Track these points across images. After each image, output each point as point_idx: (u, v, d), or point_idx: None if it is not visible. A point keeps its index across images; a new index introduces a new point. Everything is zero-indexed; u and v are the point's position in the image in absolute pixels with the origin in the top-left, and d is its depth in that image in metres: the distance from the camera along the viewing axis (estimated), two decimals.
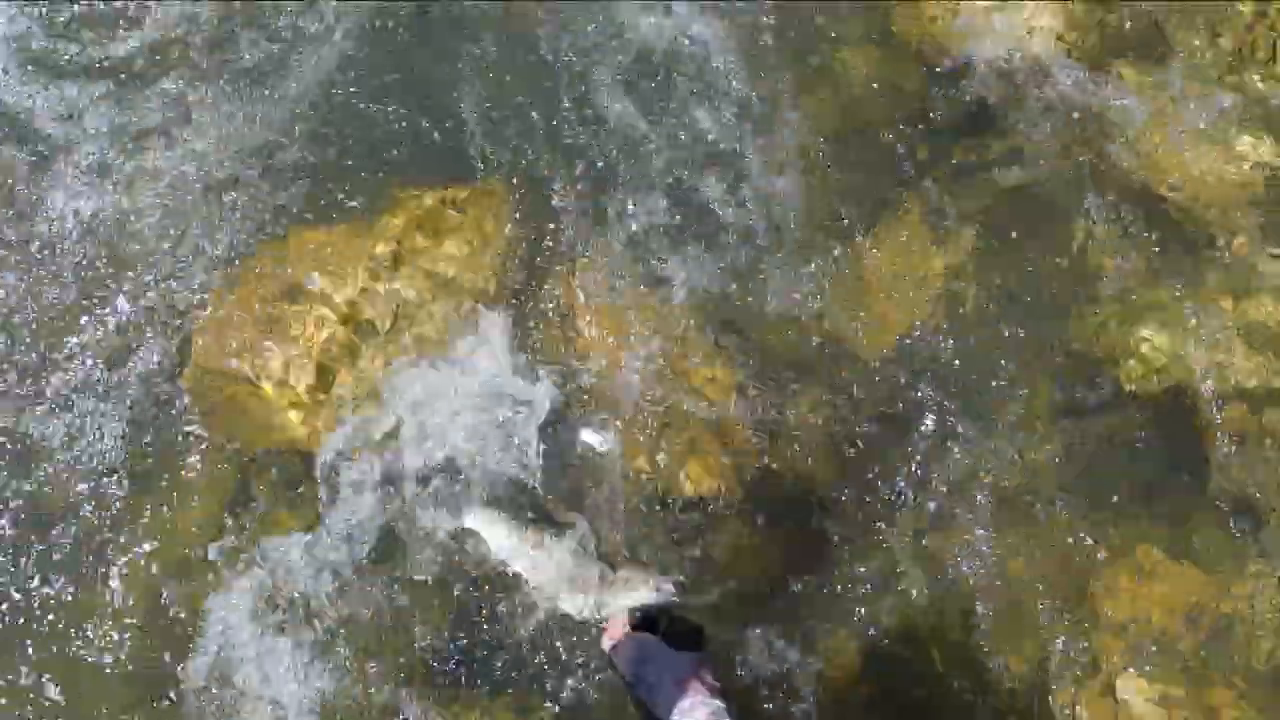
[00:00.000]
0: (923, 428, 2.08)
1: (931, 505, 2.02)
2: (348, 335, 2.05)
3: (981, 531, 2.00)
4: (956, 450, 2.07)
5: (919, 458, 2.05)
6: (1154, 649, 1.92)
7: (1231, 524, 2.02)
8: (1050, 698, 1.89)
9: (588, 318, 2.11)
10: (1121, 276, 2.24)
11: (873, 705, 1.86)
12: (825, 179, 2.33)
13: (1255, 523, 2.02)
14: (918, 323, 2.19)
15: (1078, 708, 1.88)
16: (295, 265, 2.09)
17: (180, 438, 1.94)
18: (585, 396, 2.04)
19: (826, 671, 1.86)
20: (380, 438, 1.95)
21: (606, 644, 1.52)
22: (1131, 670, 1.90)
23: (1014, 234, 2.30)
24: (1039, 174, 2.37)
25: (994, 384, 2.14)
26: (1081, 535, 2.01)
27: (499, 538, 1.85)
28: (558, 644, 1.82)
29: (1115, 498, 2.04)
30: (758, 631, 1.87)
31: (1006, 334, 2.19)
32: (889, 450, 2.06)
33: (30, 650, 1.77)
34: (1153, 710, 1.87)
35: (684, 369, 2.09)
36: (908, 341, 2.16)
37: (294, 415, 1.99)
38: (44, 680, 1.75)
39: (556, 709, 1.80)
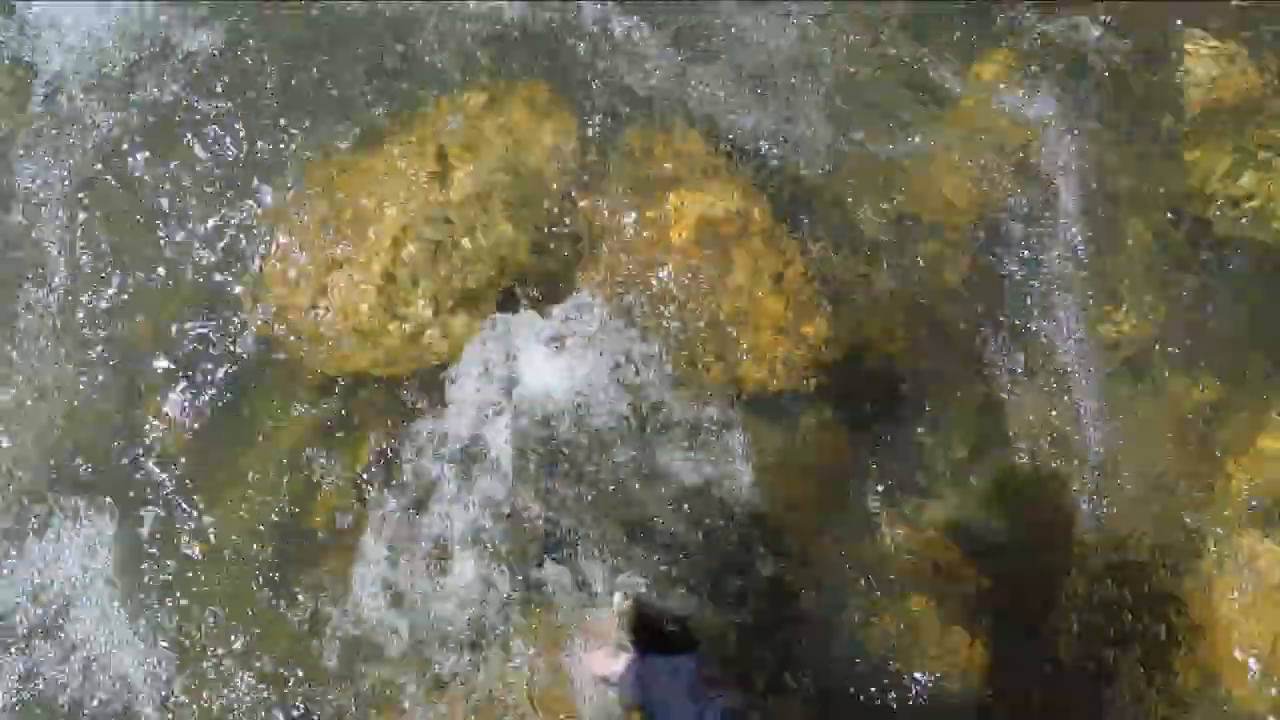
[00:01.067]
0: (1016, 295, 1.94)
1: (1040, 370, 1.89)
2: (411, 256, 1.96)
3: (1094, 402, 1.87)
4: (1060, 313, 1.92)
5: (1012, 323, 1.92)
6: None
7: None
8: (1183, 567, 1.78)
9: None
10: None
11: (984, 561, 1.79)
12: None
13: None
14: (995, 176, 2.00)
15: (1213, 576, 1.77)
16: (348, 191, 1.99)
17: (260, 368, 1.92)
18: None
19: (925, 534, 1.81)
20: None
21: (597, 672, 1.54)
22: (1266, 537, 1.77)
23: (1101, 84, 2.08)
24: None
25: (1092, 240, 1.96)
26: (1205, 397, 1.87)
27: None
28: None
29: (1233, 354, 1.89)
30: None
31: (1096, 186, 2.00)
32: (983, 312, 1.94)
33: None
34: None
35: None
36: (987, 200, 1.98)
37: (360, 342, 1.94)
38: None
39: None
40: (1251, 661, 1.72)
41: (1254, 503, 1.80)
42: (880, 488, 1.85)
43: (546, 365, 1.90)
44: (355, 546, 1.83)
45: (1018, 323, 1.93)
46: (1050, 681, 1.74)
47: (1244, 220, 1.96)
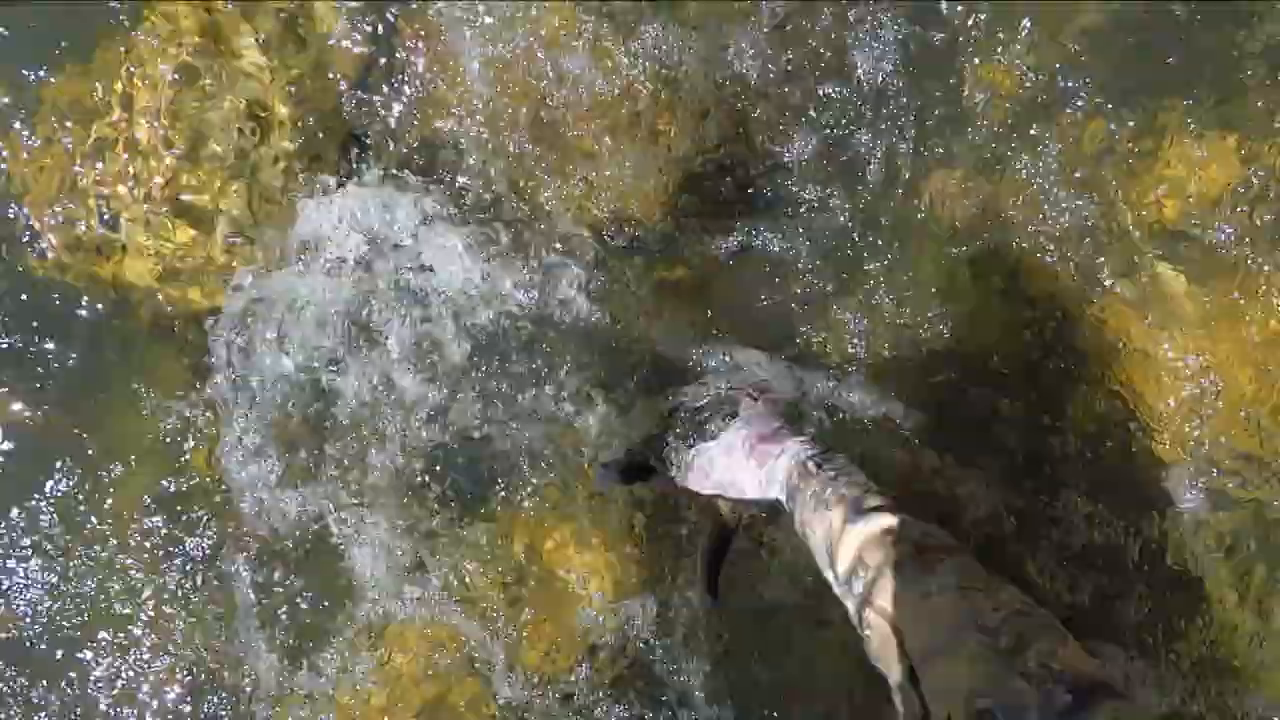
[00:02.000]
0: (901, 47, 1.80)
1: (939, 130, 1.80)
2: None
3: (996, 143, 1.78)
4: (946, 68, 1.79)
5: (900, 78, 1.80)
6: (1190, 238, 1.73)
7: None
8: (1093, 296, 1.75)
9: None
10: None
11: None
12: None
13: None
14: None
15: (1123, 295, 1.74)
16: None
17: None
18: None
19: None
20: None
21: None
22: (1168, 263, 1.73)
23: None
24: None
25: None
26: (1111, 125, 1.74)
27: None
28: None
29: (1129, 84, 1.74)
30: None
31: None
32: (855, 72, 1.81)
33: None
34: (1193, 299, 1.71)
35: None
36: None
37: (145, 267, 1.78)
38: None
39: None
40: (1163, 376, 1.72)
41: (1159, 230, 1.75)
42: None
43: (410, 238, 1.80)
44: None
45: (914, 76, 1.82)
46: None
47: None
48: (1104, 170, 1.75)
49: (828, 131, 1.84)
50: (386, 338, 1.77)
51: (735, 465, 1.28)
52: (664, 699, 1.77)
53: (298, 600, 1.80)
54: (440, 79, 1.84)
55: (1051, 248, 1.78)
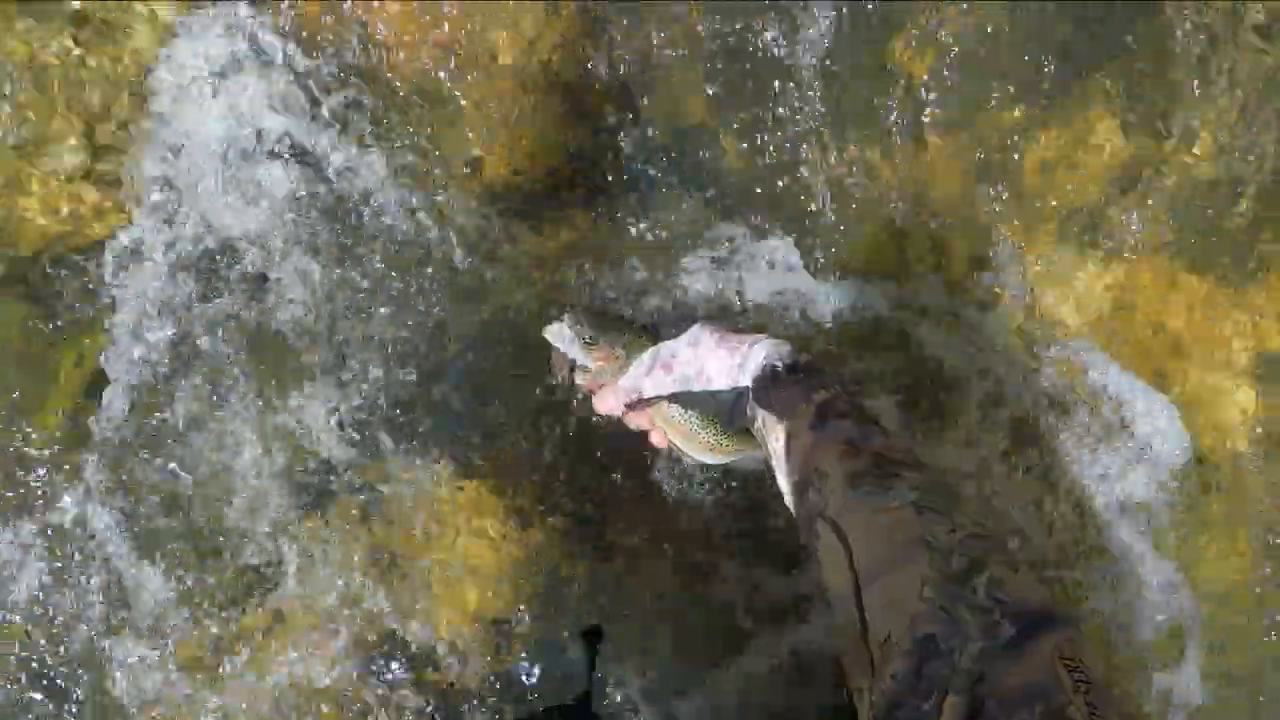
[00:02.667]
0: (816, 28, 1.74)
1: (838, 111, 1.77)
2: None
3: (904, 141, 1.78)
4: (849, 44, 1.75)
5: (808, 61, 1.75)
6: (1088, 224, 1.81)
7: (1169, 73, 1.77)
8: (998, 286, 1.82)
9: None
10: None
11: None
12: None
13: (1198, 67, 1.77)
14: None
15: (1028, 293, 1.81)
16: None
17: None
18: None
19: None
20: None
21: (617, 412, 1.30)
22: (1067, 250, 1.81)
23: None
24: None
25: None
26: (1012, 117, 1.77)
27: None
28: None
29: (1049, 65, 1.76)
30: None
31: None
32: (773, 63, 1.75)
33: None
34: (1098, 285, 1.81)
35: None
36: None
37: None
38: None
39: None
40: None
41: (1065, 216, 1.81)
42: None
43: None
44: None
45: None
46: None
47: None
48: (1010, 153, 1.78)
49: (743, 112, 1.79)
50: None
51: (703, 355, 1.22)
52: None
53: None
54: None
55: (958, 227, 1.81)
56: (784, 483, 1.13)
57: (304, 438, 1.73)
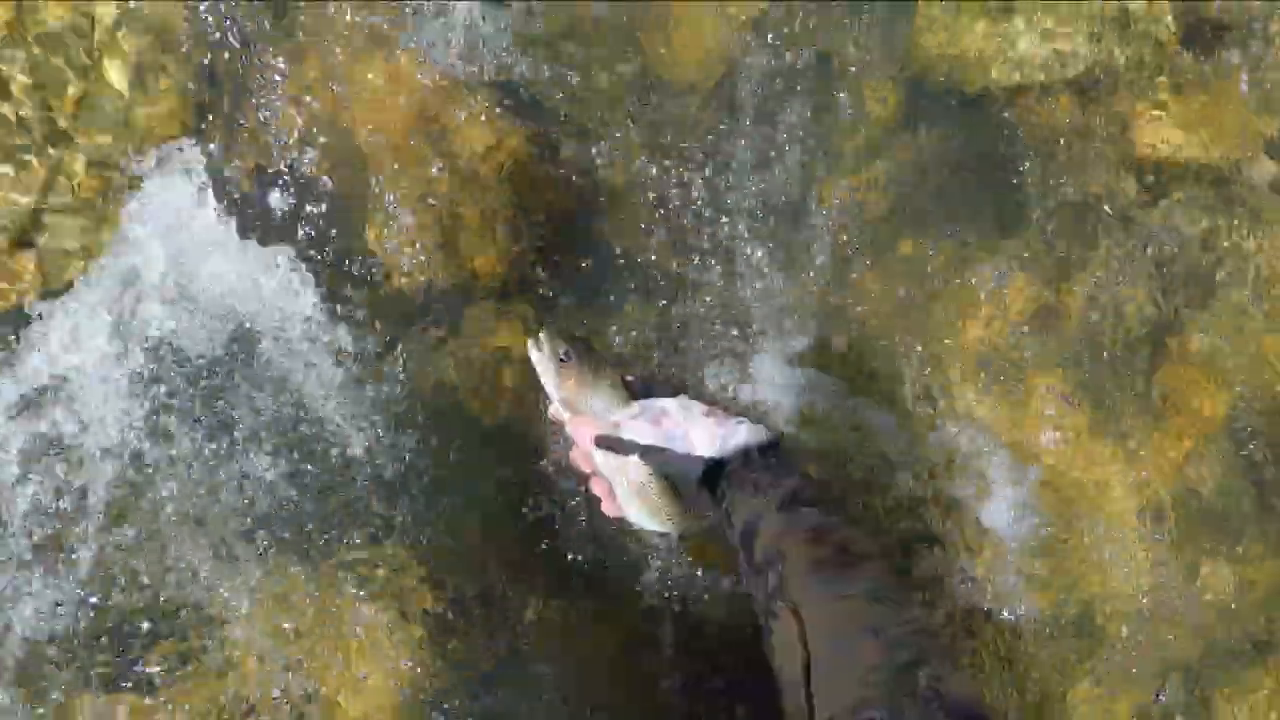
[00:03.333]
0: (742, 169, 1.91)
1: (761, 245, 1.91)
2: None
3: (814, 266, 1.93)
4: (780, 183, 1.91)
5: (739, 191, 1.91)
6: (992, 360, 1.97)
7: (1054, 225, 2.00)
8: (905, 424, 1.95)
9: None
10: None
11: None
12: None
13: (1082, 220, 2.01)
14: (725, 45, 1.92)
15: (931, 430, 1.95)
16: None
17: None
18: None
19: None
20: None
21: (585, 443, 1.28)
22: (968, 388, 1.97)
23: None
24: None
25: (812, 109, 1.94)
26: (917, 261, 1.96)
27: None
28: None
29: (954, 214, 1.98)
30: None
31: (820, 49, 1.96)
32: (708, 185, 1.90)
33: None
34: (988, 413, 1.96)
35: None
36: (719, 68, 1.91)
37: None
38: None
39: None
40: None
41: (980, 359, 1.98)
42: None
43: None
44: None
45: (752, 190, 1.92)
46: None
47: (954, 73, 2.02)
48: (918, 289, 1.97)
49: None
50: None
51: (691, 420, 1.24)
52: None
53: None
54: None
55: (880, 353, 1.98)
56: (743, 562, 1.19)
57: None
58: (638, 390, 1.31)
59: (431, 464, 1.77)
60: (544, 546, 1.80)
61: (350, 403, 1.74)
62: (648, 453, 1.25)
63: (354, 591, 1.71)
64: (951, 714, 0.85)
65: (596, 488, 1.33)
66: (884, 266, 1.96)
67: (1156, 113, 2.05)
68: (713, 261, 1.91)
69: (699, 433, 1.24)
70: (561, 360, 1.27)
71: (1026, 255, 2.00)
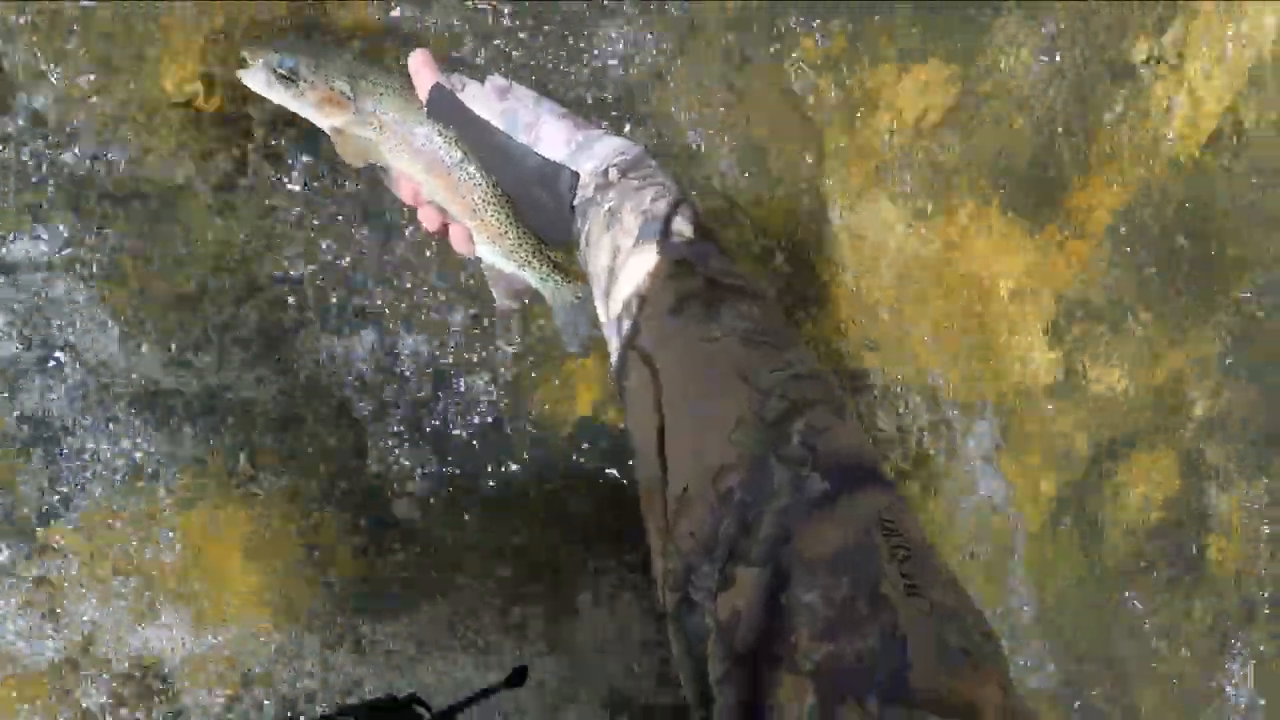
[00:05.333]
0: None
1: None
2: None
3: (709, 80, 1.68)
4: None
5: None
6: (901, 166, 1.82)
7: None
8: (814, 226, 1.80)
9: None
10: None
11: None
12: None
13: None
14: None
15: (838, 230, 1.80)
16: None
17: None
18: None
19: None
20: None
21: (430, 76, 0.99)
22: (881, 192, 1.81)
23: None
24: None
25: None
26: (822, 51, 1.73)
27: None
28: None
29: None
30: None
31: None
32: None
33: None
34: (901, 226, 1.84)
35: None
36: None
37: None
38: None
39: None
40: (883, 313, 1.86)
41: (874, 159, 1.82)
42: None
43: None
44: None
45: None
46: None
47: None
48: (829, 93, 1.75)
49: None
50: None
51: (543, 113, 0.97)
52: None
53: None
54: None
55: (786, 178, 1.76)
56: (601, 312, 0.92)
57: None
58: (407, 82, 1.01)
59: None
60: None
61: None
62: (487, 134, 0.97)
63: None
64: (829, 474, 0.66)
65: (428, 217, 1.06)
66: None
67: None
68: None
69: (550, 128, 0.96)
70: (284, 78, 0.98)
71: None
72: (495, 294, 1.12)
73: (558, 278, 1.10)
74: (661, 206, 0.90)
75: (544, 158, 0.96)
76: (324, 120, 1.02)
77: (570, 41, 1.62)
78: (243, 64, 0.99)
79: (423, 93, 1.00)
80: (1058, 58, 1.87)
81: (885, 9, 1.76)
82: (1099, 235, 1.98)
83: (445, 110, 0.99)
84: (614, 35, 1.64)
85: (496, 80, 0.99)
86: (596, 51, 1.64)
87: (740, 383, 0.73)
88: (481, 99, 0.98)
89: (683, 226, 0.89)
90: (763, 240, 1.81)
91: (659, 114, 1.69)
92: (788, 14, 1.73)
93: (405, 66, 1.02)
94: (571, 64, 1.63)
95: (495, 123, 0.97)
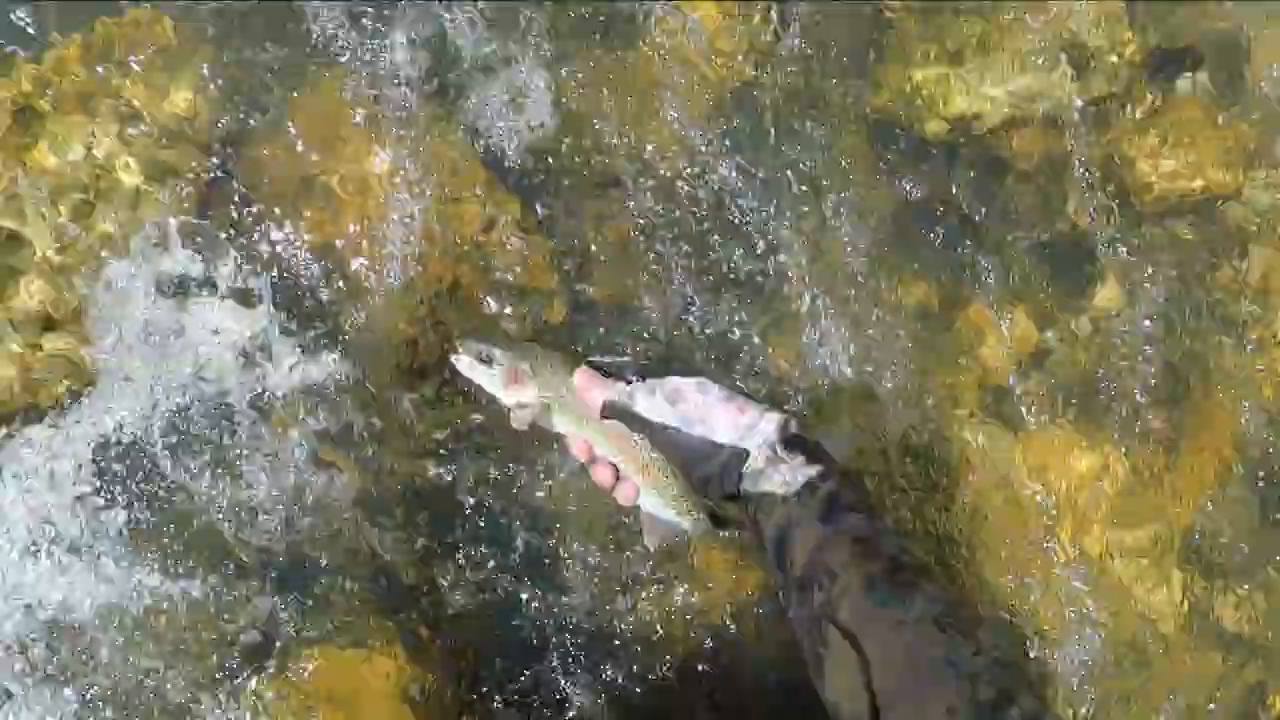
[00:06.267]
0: (744, 212, 1.88)
1: (767, 288, 1.87)
2: None
3: (824, 304, 1.88)
4: (783, 232, 1.88)
5: (742, 242, 1.87)
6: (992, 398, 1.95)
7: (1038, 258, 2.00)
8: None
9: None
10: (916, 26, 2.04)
11: None
12: None
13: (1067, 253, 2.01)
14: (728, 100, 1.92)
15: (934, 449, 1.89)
16: None
17: None
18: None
19: None
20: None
21: (599, 396, 1.12)
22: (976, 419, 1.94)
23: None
24: None
25: (812, 161, 1.93)
26: (918, 300, 1.94)
27: None
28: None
29: (931, 251, 1.97)
30: None
31: (816, 109, 1.97)
32: (712, 234, 1.86)
33: None
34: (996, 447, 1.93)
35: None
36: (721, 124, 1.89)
37: None
38: None
39: None
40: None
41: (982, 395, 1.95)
42: None
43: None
44: None
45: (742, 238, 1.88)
46: None
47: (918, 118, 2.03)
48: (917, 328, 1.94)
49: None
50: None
51: (710, 403, 1.08)
52: None
53: None
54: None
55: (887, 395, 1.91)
56: (777, 573, 1.03)
57: None
58: (629, 377, 1.15)
59: None
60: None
61: None
62: (661, 433, 1.09)
63: None
64: None
65: (600, 474, 1.17)
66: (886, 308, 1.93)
67: (1136, 140, 2.05)
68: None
69: (720, 417, 1.07)
70: (483, 361, 1.17)
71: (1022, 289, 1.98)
72: (647, 538, 1.22)
73: (714, 528, 1.21)
74: (829, 484, 1.02)
75: (714, 441, 1.08)
76: (509, 396, 1.18)
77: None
78: (454, 351, 1.20)
79: (595, 407, 1.13)
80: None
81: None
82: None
83: (620, 416, 1.12)
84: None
85: (667, 387, 1.11)
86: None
87: (949, 673, 0.82)
88: (653, 408, 1.10)
89: (849, 498, 1.01)
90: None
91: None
92: None
93: (578, 350, 1.21)
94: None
95: (668, 424, 1.09)
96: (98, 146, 1.62)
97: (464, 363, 1.19)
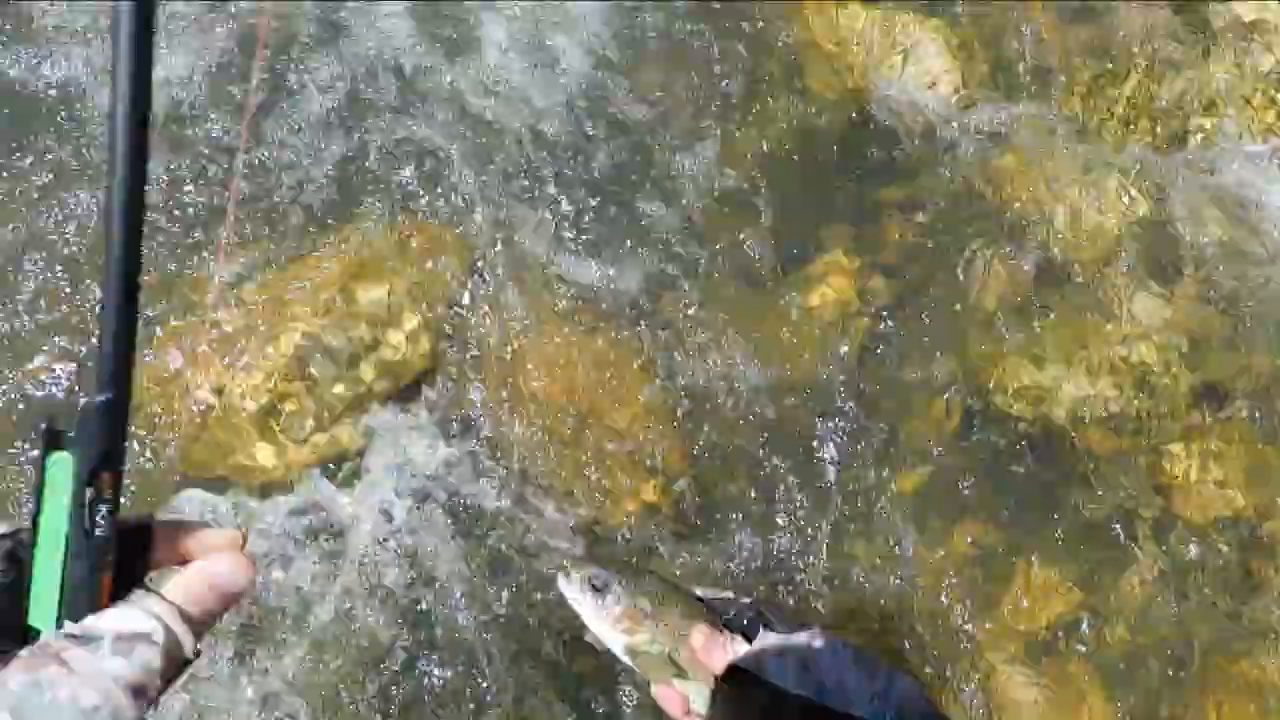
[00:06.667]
0: (833, 453, 2.30)
1: (846, 521, 2.25)
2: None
3: (891, 541, 2.25)
4: (863, 471, 2.29)
5: (829, 479, 2.27)
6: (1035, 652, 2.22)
7: (1093, 537, 2.32)
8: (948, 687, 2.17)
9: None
10: (1004, 315, 2.52)
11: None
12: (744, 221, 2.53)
13: (1111, 536, 2.33)
14: (829, 356, 2.40)
15: (969, 697, 2.15)
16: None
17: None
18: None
19: None
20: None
21: (717, 663, 0.99)
22: (1011, 671, 2.19)
23: (910, 276, 2.57)
24: (937, 218, 2.62)
25: (895, 413, 2.39)
26: (975, 548, 2.27)
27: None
28: None
29: (1005, 513, 2.32)
30: None
31: (905, 368, 2.44)
32: (803, 470, 2.27)
33: None
34: (1027, 700, 2.16)
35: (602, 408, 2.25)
36: (822, 376, 2.37)
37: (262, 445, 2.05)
38: None
39: None
40: None
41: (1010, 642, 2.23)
42: None
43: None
44: None
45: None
46: None
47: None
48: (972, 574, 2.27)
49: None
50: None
51: (842, 666, 0.98)
52: None
53: None
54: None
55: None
56: None
57: None
58: (746, 627, 1.03)
59: None
60: None
61: None
62: (794, 701, 0.96)
63: None
64: None
65: None
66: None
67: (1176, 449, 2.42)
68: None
69: (853, 682, 0.97)
70: (596, 590, 1.04)
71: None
72: None
73: None
74: None
75: (858, 715, 0.96)
76: (615, 636, 1.04)
77: None
78: (564, 572, 1.08)
79: (715, 667, 1.01)
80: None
81: None
82: None
83: (748, 684, 0.98)
84: None
85: (797, 647, 0.99)
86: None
87: None
88: (785, 674, 0.97)
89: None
90: None
91: None
92: None
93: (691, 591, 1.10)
94: None
95: (801, 693, 0.96)
96: None
97: (573, 587, 1.06)
